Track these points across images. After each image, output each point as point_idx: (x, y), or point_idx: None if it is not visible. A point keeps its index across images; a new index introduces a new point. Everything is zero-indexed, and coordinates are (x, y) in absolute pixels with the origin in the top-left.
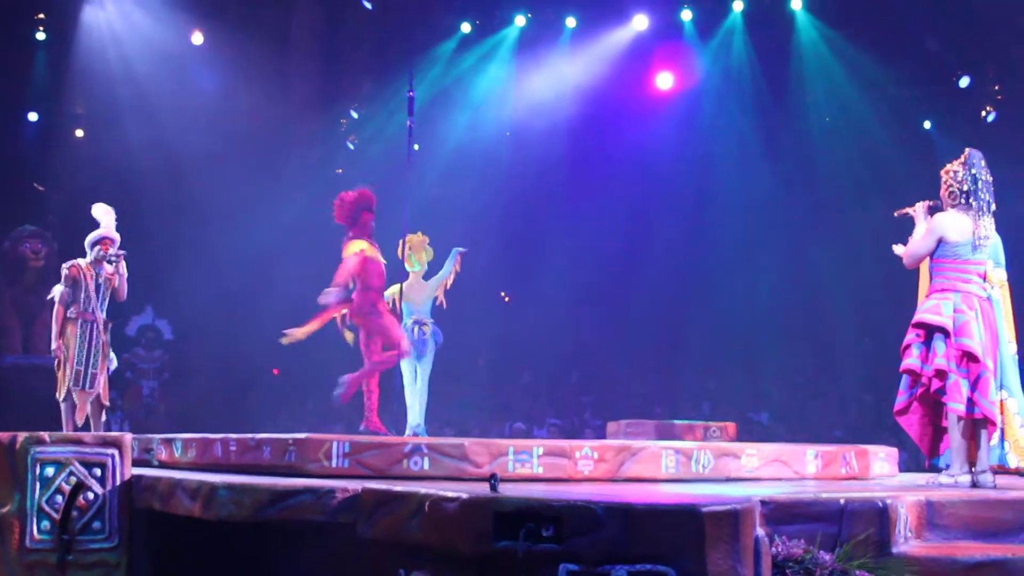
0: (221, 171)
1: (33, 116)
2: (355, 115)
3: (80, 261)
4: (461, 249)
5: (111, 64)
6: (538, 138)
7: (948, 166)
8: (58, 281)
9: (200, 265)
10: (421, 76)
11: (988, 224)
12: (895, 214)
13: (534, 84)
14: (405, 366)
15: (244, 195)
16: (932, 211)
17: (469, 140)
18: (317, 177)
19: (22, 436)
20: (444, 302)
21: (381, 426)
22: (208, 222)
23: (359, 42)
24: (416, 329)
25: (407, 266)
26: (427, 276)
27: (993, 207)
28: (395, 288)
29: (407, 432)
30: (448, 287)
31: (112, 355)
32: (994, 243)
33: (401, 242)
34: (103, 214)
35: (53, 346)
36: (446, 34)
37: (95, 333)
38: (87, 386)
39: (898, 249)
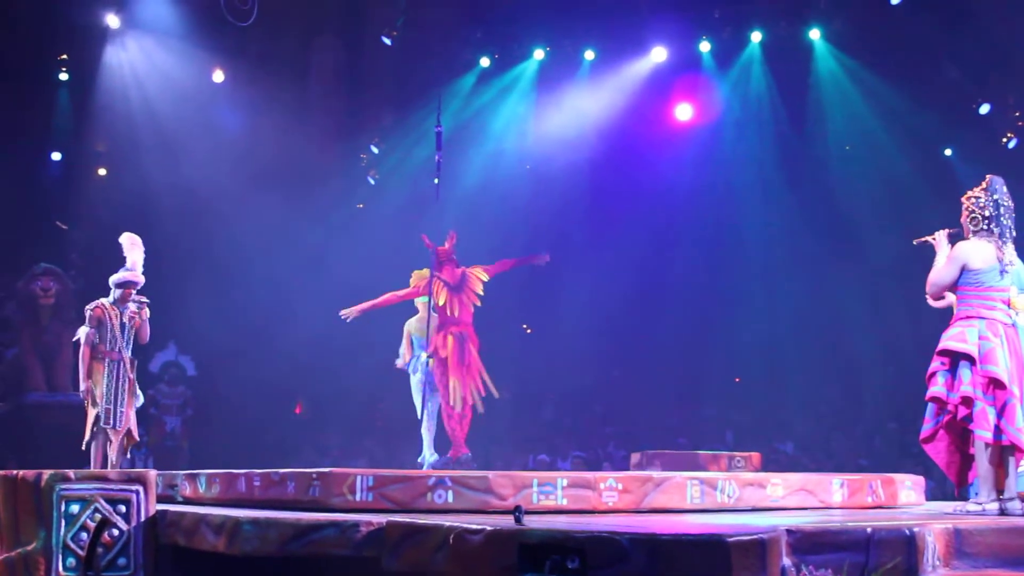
0: (242, 207)
1: (56, 155)
2: (375, 150)
3: (104, 301)
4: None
5: (133, 103)
6: (558, 171)
7: (969, 192)
8: (76, 318)
9: (222, 301)
10: (442, 110)
11: (1011, 250)
12: (914, 242)
13: (553, 117)
14: (417, 399)
15: (265, 231)
16: (952, 238)
17: (489, 174)
18: (338, 211)
19: (47, 474)
20: None
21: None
22: (229, 258)
23: (379, 77)
24: (430, 362)
25: (416, 300)
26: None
27: (1014, 233)
28: (410, 323)
29: (424, 466)
30: None
31: (139, 391)
32: (1017, 269)
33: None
34: (130, 246)
35: (82, 387)
36: (465, 68)
37: (122, 371)
38: (117, 424)
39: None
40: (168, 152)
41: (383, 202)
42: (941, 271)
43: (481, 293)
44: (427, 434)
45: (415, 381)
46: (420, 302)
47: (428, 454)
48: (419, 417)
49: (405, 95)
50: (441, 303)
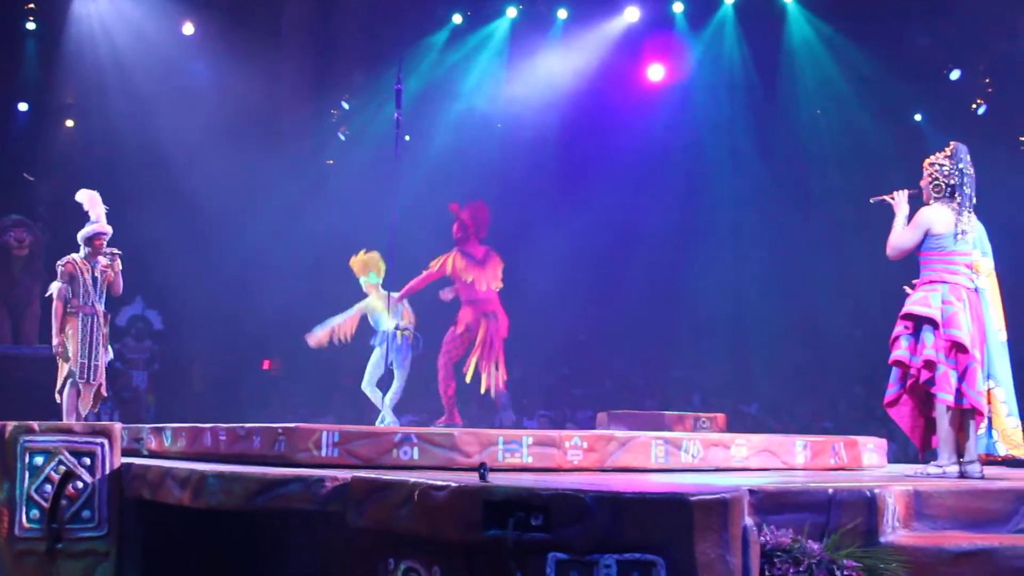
0: (211, 161)
1: (23, 106)
2: (346, 106)
3: (75, 256)
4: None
5: (101, 54)
6: (529, 130)
7: (932, 158)
8: (46, 272)
9: (190, 255)
10: (412, 67)
11: (967, 218)
12: (871, 200)
13: (525, 76)
14: (373, 372)
15: (235, 185)
16: (912, 200)
17: (459, 132)
18: (308, 168)
19: (11, 425)
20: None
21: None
22: (198, 212)
23: (351, 32)
24: (399, 335)
25: (366, 279)
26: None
27: (975, 201)
28: (367, 302)
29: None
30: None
31: (110, 347)
32: (979, 232)
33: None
34: (89, 201)
35: (54, 342)
36: (437, 25)
37: (95, 325)
38: (91, 379)
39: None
40: (137, 105)
41: (353, 158)
42: (903, 235)
43: (501, 280)
44: (391, 396)
45: (377, 355)
46: (370, 283)
47: (389, 416)
48: (362, 386)
49: (377, 51)
50: (469, 280)
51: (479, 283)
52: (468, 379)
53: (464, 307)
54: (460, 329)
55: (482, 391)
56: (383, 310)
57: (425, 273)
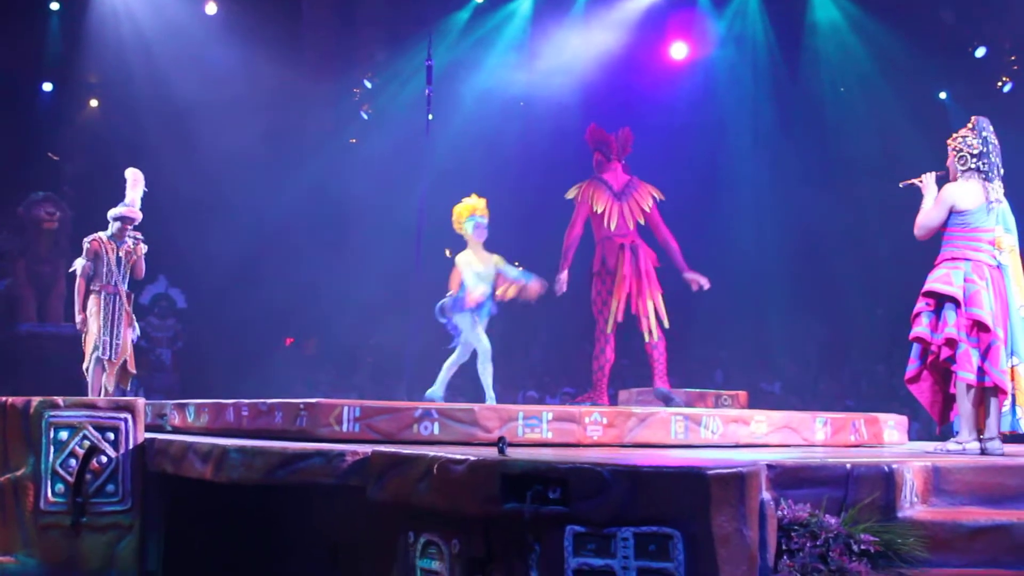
0: (235, 141)
1: (48, 86)
2: (368, 85)
3: (101, 235)
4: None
5: (124, 34)
6: (551, 108)
7: (956, 134)
8: (71, 249)
9: (213, 234)
10: (435, 46)
11: (998, 188)
12: (900, 185)
13: (547, 54)
14: (478, 339)
15: (258, 164)
16: (940, 181)
17: (482, 110)
18: (331, 147)
19: (36, 400)
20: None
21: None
22: (221, 191)
23: (373, 11)
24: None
25: (475, 219)
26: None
27: (1002, 171)
28: (466, 256)
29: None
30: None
31: (136, 325)
32: (1003, 209)
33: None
34: (132, 181)
35: (77, 319)
36: (460, 3)
37: (118, 304)
38: (113, 356)
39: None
40: (160, 84)
41: (376, 137)
42: (929, 213)
43: (648, 209)
44: (449, 371)
45: (472, 320)
46: (468, 229)
47: (440, 391)
48: (458, 357)
49: (399, 30)
50: (599, 210)
51: (609, 218)
52: (616, 322)
53: (597, 245)
54: (596, 267)
55: (646, 338)
56: (478, 270)
57: (576, 211)
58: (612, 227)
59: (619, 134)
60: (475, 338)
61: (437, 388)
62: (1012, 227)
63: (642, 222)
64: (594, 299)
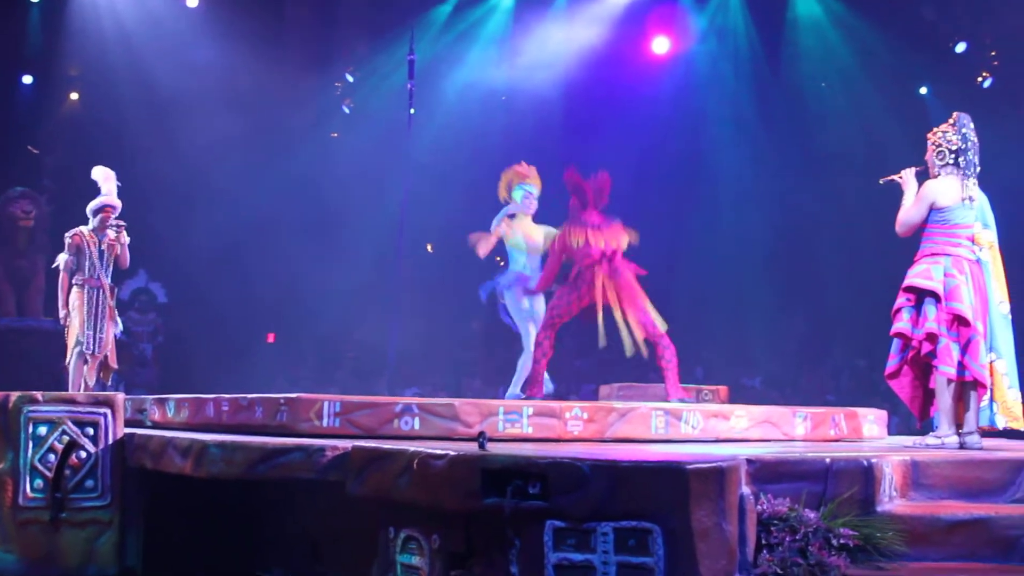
0: (215, 134)
1: (28, 79)
2: (350, 79)
3: (83, 229)
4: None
5: (106, 27)
6: (532, 103)
7: (936, 129)
8: (50, 244)
9: (194, 229)
10: (417, 40)
11: (973, 184)
12: (880, 181)
13: (529, 48)
14: (527, 329)
15: (239, 159)
16: (919, 176)
17: (463, 105)
18: (313, 141)
19: (15, 395)
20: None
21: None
22: (202, 185)
23: (355, 5)
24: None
25: (526, 187)
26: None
27: (978, 169)
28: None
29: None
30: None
31: (118, 319)
32: (981, 205)
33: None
34: (103, 178)
35: (61, 314)
36: None
37: (101, 298)
38: (96, 350)
39: (888, 180)
40: (141, 77)
41: (358, 131)
42: (910, 211)
43: (624, 248)
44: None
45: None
46: (516, 198)
47: (517, 389)
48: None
49: (380, 24)
50: (578, 244)
51: (594, 242)
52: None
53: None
54: (572, 275)
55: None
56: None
57: (552, 254)
58: (602, 246)
59: (594, 180)
60: (524, 320)
61: (514, 388)
62: (991, 223)
63: (622, 248)
64: (557, 295)
